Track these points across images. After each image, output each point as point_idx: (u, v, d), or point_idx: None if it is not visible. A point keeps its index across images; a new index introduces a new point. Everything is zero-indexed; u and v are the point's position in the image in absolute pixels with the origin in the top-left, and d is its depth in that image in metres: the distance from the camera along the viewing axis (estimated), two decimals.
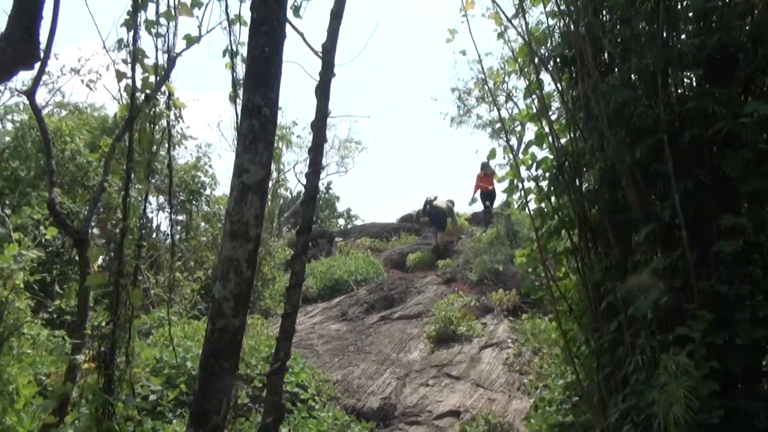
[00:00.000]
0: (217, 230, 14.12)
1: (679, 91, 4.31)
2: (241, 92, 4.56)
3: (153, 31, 4.61)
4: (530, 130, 5.70)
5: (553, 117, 5.26)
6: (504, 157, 5.95)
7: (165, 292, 11.55)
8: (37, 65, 4.05)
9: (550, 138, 5.14)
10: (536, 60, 5.08)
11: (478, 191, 17.09)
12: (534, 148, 5.43)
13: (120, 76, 4.58)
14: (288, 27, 3.46)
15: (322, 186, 28.48)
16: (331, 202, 31.73)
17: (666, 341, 3.83)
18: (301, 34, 3.91)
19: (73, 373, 4.76)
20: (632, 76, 4.22)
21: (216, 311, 2.93)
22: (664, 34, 4.09)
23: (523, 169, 5.47)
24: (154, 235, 14.60)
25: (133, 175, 4.58)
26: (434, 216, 16.74)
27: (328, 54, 3.79)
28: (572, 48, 4.68)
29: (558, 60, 4.96)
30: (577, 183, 4.91)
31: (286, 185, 22.64)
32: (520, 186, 5.44)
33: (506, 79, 5.86)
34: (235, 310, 2.93)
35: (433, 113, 27.83)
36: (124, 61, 4.57)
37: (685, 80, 4.29)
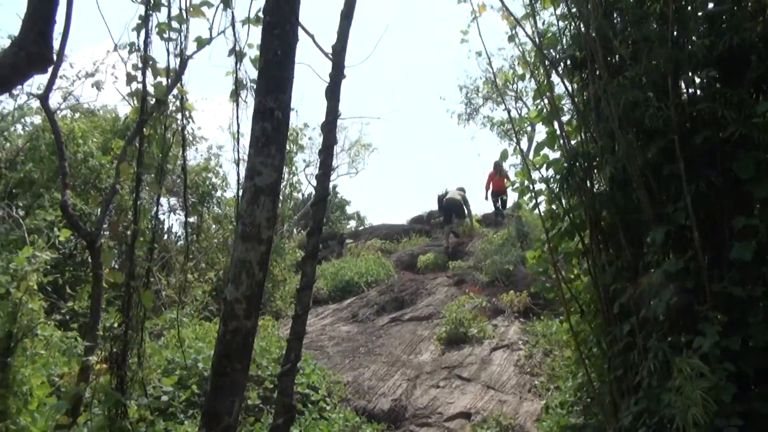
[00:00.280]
0: (228, 232, 14.18)
1: (690, 91, 4.29)
2: (244, 93, 4.61)
3: (164, 35, 4.64)
4: (540, 132, 5.69)
5: (564, 119, 5.25)
6: (516, 158, 5.95)
7: (176, 294, 11.61)
8: (50, 69, 4.09)
9: (561, 140, 5.12)
10: (547, 62, 5.07)
11: (490, 191, 17.10)
12: (545, 150, 5.42)
13: (130, 79, 4.61)
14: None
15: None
16: (342, 204, 31.77)
17: (678, 344, 3.80)
18: (311, 36, 3.91)
19: (86, 374, 4.79)
20: (642, 78, 4.19)
21: (228, 313, 2.94)
22: (674, 35, 4.06)
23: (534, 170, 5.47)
24: (165, 237, 14.69)
25: (145, 178, 4.61)
26: (451, 209, 16.72)
27: (338, 55, 3.80)
28: (583, 50, 4.67)
29: (569, 62, 4.95)
30: (588, 184, 4.90)
31: (298, 187, 22.69)
32: (531, 187, 5.43)
33: (516, 79, 5.86)
34: (247, 312, 2.94)
35: (443, 113, 27.82)
36: (135, 66, 4.60)
37: (696, 80, 4.26)
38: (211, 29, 4.68)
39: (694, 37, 4.10)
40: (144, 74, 4.56)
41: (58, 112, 15.11)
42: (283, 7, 3.19)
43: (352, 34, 3.89)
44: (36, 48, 3.30)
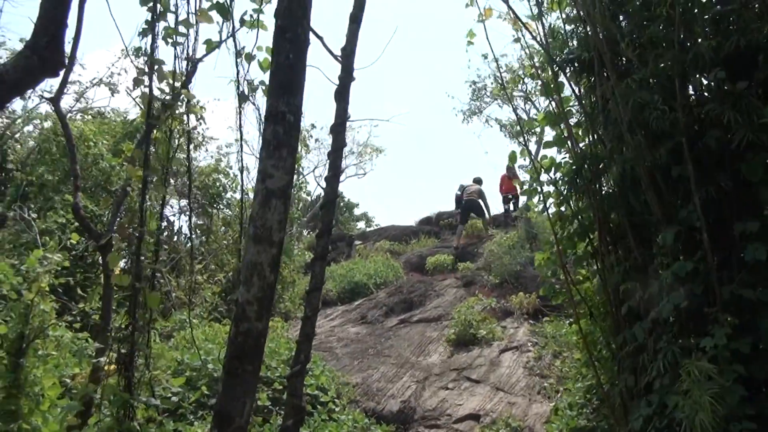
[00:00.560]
0: (238, 233, 14.24)
1: (698, 93, 4.28)
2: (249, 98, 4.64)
3: (171, 40, 4.68)
4: (548, 135, 5.69)
5: (572, 121, 5.24)
6: (524, 159, 5.94)
7: (186, 295, 11.67)
8: (62, 72, 4.12)
9: (569, 142, 5.12)
10: (554, 64, 5.07)
11: (502, 194, 17.16)
12: (553, 152, 5.42)
13: (137, 83, 4.64)
14: None
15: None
16: (350, 206, 31.83)
17: (688, 346, 3.79)
18: (321, 39, 3.93)
19: (97, 375, 4.83)
20: (650, 80, 4.18)
21: (240, 315, 2.96)
22: (681, 37, 4.05)
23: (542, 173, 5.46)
24: (175, 239, 14.76)
25: (151, 180, 4.65)
26: (470, 208, 16.82)
27: (347, 58, 3.81)
28: (590, 52, 4.66)
29: (576, 64, 4.94)
30: (596, 186, 4.89)
31: (306, 189, 22.77)
32: (540, 189, 5.42)
33: (525, 81, 5.86)
34: (259, 314, 2.96)
35: (451, 115, 27.83)
36: (141, 71, 4.63)
37: (704, 81, 4.24)
38: (220, 33, 4.71)
39: (700, 39, 4.09)
40: (150, 78, 4.59)
41: (70, 114, 15.23)
42: (295, 11, 3.21)
43: (360, 36, 3.91)
44: (48, 52, 3.34)
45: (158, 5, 4.54)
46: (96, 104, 17.72)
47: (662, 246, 4.11)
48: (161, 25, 4.63)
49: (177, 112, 4.81)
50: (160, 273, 5.08)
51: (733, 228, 3.90)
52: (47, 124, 13.98)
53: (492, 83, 20.95)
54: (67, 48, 4.00)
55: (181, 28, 4.70)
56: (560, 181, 5.22)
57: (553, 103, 5.27)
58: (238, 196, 15.37)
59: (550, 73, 5.20)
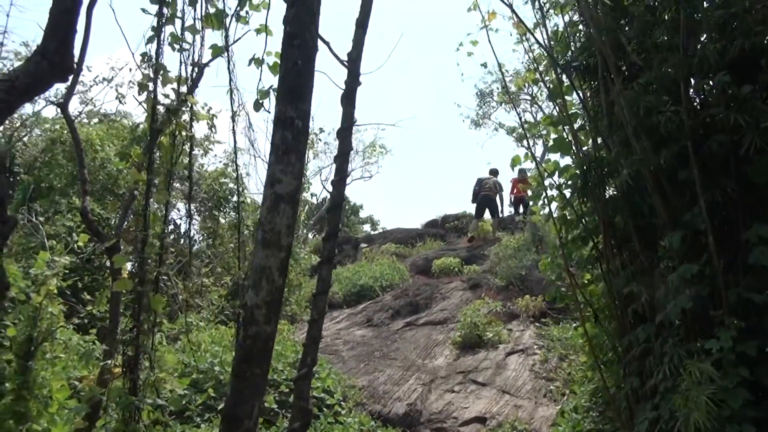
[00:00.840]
0: (244, 237, 14.27)
1: (703, 96, 4.28)
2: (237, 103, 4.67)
3: (177, 46, 4.72)
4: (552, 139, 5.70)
5: (576, 125, 5.25)
6: (531, 163, 5.95)
7: (192, 298, 11.71)
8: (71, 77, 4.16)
9: (573, 146, 5.12)
10: (558, 68, 5.08)
11: (512, 196, 17.22)
12: (558, 155, 5.42)
13: (142, 88, 4.69)
14: None
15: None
16: (355, 209, 31.85)
17: (694, 349, 3.79)
18: (327, 44, 3.94)
19: (105, 377, 4.86)
20: (656, 84, 4.19)
21: (248, 318, 2.98)
22: (685, 41, 4.06)
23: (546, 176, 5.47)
24: (182, 242, 14.81)
25: (155, 184, 4.69)
26: (485, 204, 16.97)
27: (353, 63, 3.82)
28: (593, 56, 4.67)
29: (579, 68, 4.95)
30: (601, 190, 4.90)
31: (308, 189, 22.81)
32: (544, 193, 5.43)
33: (528, 84, 5.87)
34: (267, 318, 2.98)
35: (457, 118, 27.88)
36: (146, 77, 4.67)
37: (710, 84, 4.24)
38: (226, 38, 4.74)
39: (705, 42, 4.10)
40: (155, 84, 4.63)
41: (77, 118, 15.31)
42: (303, 18, 3.23)
43: (367, 40, 3.93)
44: (58, 57, 3.38)
45: (164, 11, 4.59)
46: (103, 108, 17.82)
47: (668, 249, 4.11)
48: (167, 30, 4.68)
49: (182, 118, 4.85)
50: (166, 276, 5.11)
51: (738, 231, 3.90)
52: (54, 128, 14.07)
53: (498, 88, 20.97)
54: (75, 53, 4.03)
55: (187, 34, 4.75)
56: (564, 185, 5.23)
57: (557, 107, 5.28)
58: (247, 200, 15.43)
59: (554, 76, 5.21)
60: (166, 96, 4.76)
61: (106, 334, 5.33)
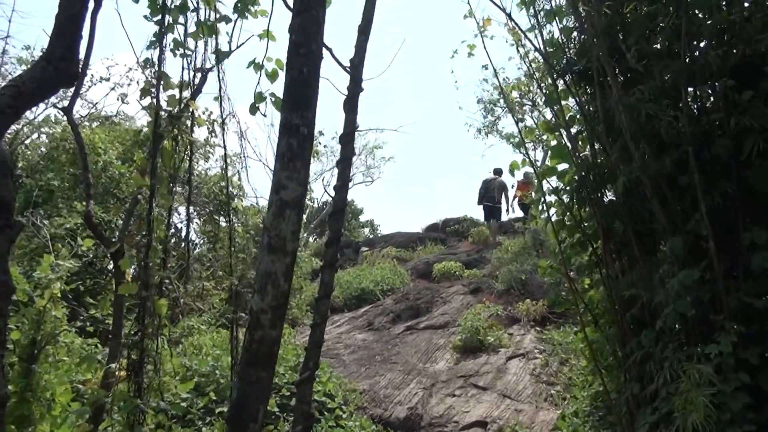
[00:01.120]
0: (245, 240, 14.28)
1: (702, 102, 4.30)
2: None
3: (179, 51, 4.75)
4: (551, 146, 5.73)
5: (573, 130, 5.27)
6: (531, 168, 5.97)
7: (194, 302, 11.73)
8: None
9: (573, 151, 5.14)
10: (554, 74, 5.10)
11: (516, 200, 17.28)
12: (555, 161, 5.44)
13: (145, 93, 4.72)
14: None
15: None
16: (356, 213, 31.89)
17: (694, 354, 3.81)
18: (330, 50, 3.98)
19: (109, 380, 4.89)
20: (655, 90, 4.21)
21: (254, 323, 3.01)
22: (687, 48, 4.08)
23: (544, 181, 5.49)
24: (183, 245, 14.83)
25: (158, 188, 4.72)
26: (490, 210, 17.16)
27: (356, 69, 3.86)
28: (589, 62, 4.69)
29: (576, 73, 4.97)
30: (599, 195, 4.91)
31: (311, 196, 22.89)
32: (543, 198, 5.45)
33: (527, 90, 5.90)
34: (273, 322, 3.01)
35: (458, 123, 27.92)
36: (149, 83, 4.70)
37: (709, 90, 4.27)
38: (230, 43, 4.78)
39: (706, 48, 4.12)
40: (158, 90, 4.67)
41: (80, 121, 15.36)
42: (309, 27, 3.27)
43: (369, 46, 3.96)
44: (63, 63, 3.41)
45: (166, 18, 4.62)
46: (105, 110, 17.88)
47: (668, 254, 4.13)
48: (170, 37, 4.72)
49: (185, 125, 4.88)
50: (168, 280, 5.14)
51: (739, 235, 3.92)
52: (56, 131, 14.11)
53: (495, 95, 21.01)
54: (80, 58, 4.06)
55: (189, 39, 4.79)
56: (563, 190, 5.24)
57: (554, 113, 5.30)
58: (245, 203, 15.43)
59: (550, 81, 5.23)
60: (169, 101, 4.79)
61: (109, 338, 5.35)
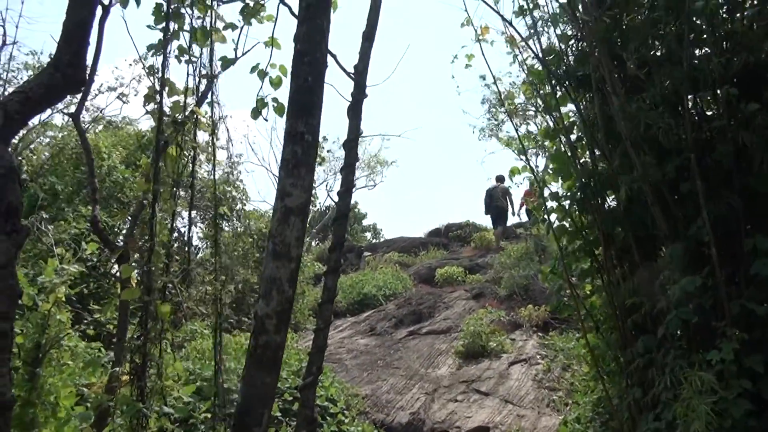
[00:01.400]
0: (248, 245, 14.32)
1: (704, 109, 4.32)
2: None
3: (184, 58, 4.79)
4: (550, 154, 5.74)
5: (573, 136, 5.27)
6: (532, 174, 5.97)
7: (198, 306, 11.73)
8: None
9: (570, 157, 5.15)
10: (552, 80, 5.11)
11: (523, 207, 17.34)
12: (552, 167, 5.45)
13: (149, 99, 4.76)
14: None
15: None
16: (359, 217, 31.91)
17: (696, 360, 3.81)
18: (334, 57, 4.01)
19: (113, 384, 4.91)
20: (657, 97, 4.22)
21: (259, 328, 3.03)
22: (689, 55, 4.10)
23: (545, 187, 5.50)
24: (186, 249, 14.84)
25: (161, 193, 4.76)
26: (497, 215, 17.28)
27: (360, 75, 3.89)
28: (588, 69, 4.70)
29: (575, 79, 4.98)
30: (599, 201, 4.92)
31: (314, 200, 22.92)
32: (544, 205, 5.45)
33: (532, 93, 5.90)
34: (277, 327, 3.04)
35: (461, 128, 27.91)
36: (152, 89, 4.74)
37: (713, 97, 4.28)
38: (236, 50, 4.81)
39: (709, 55, 4.13)
40: (161, 96, 4.70)
41: (87, 128, 15.42)
42: (314, 36, 3.31)
43: (372, 52, 3.99)
44: (71, 69, 3.43)
45: (170, 25, 4.66)
46: (107, 112, 17.95)
47: (669, 261, 4.14)
48: (175, 43, 4.76)
49: (189, 131, 4.92)
50: (171, 284, 5.17)
51: (741, 242, 3.93)
52: (60, 135, 14.17)
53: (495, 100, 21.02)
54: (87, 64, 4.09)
55: (195, 47, 4.82)
56: (564, 197, 5.25)
57: (553, 119, 5.31)
58: (248, 207, 15.47)
59: (548, 89, 5.24)
60: (174, 107, 4.82)
61: (112, 341, 5.38)
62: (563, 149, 5.26)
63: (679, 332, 4.04)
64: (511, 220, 18.48)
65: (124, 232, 11.78)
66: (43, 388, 5.02)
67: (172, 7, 4.62)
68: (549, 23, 5.14)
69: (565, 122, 5.21)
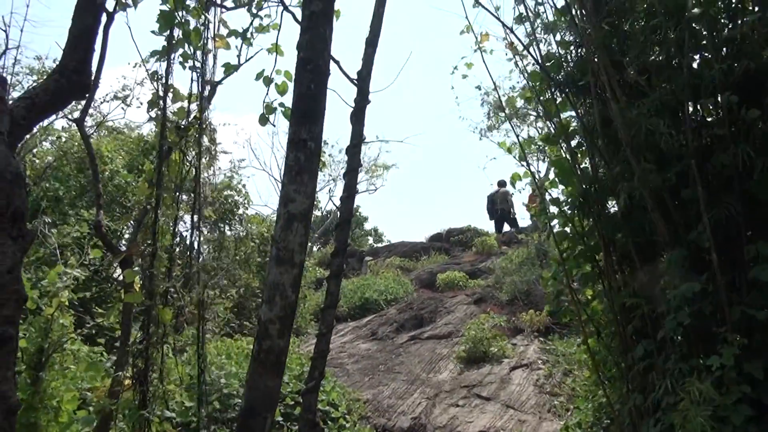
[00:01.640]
0: (250, 249, 14.34)
1: (704, 115, 4.33)
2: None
3: (187, 64, 4.83)
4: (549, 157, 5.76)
5: (573, 142, 5.29)
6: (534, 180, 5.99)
7: (201, 310, 11.75)
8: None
9: (570, 163, 5.16)
10: (552, 86, 5.13)
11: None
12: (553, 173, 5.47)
13: (152, 105, 4.80)
14: None
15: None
16: (360, 220, 31.93)
17: (696, 365, 3.82)
18: (338, 63, 4.03)
19: (115, 389, 4.93)
20: (657, 104, 4.24)
21: (262, 332, 3.06)
22: (689, 61, 4.12)
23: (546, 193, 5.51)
24: (188, 253, 14.86)
25: (164, 198, 4.79)
26: (503, 219, 17.39)
27: (363, 81, 3.91)
28: (587, 75, 4.72)
29: (575, 86, 5.00)
30: (600, 207, 4.93)
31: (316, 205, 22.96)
32: (546, 210, 5.47)
33: (534, 96, 5.91)
34: (281, 332, 3.06)
35: (463, 133, 27.97)
36: (156, 95, 4.77)
37: (713, 104, 4.29)
38: (239, 56, 4.85)
39: (710, 61, 4.15)
40: (164, 102, 4.74)
41: (91, 135, 15.47)
42: (316, 44, 3.34)
43: (376, 58, 4.01)
44: (76, 75, 3.47)
45: (174, 33, 4.70)
46: (109, 116, 17.99)
47: (670, 267, 4.15)
48: (179, 51, 4.79)
49: (193, 136, 4.95)
50: (173, 288, 5.20)
51: (741, 247, 3.94)
52: (63, 139, 14.21)
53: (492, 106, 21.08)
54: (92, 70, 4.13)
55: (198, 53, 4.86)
56: (564, 202, 5.27)
57: (553, 125, 5.33)
58: (250, 212, 15.49)
59: (548, 95, 5.26)
60: (178, 113, 4.85)
61: (114, 345, 5.40)
62: (564, 155, 5.27)
63: (679, 337, 4.05)
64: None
65: (127, 236, 11.80)
66: (46, 392, 5.05)
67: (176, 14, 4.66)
68: (549, 30, 5.16)
69: (567, 128, 5.23)
